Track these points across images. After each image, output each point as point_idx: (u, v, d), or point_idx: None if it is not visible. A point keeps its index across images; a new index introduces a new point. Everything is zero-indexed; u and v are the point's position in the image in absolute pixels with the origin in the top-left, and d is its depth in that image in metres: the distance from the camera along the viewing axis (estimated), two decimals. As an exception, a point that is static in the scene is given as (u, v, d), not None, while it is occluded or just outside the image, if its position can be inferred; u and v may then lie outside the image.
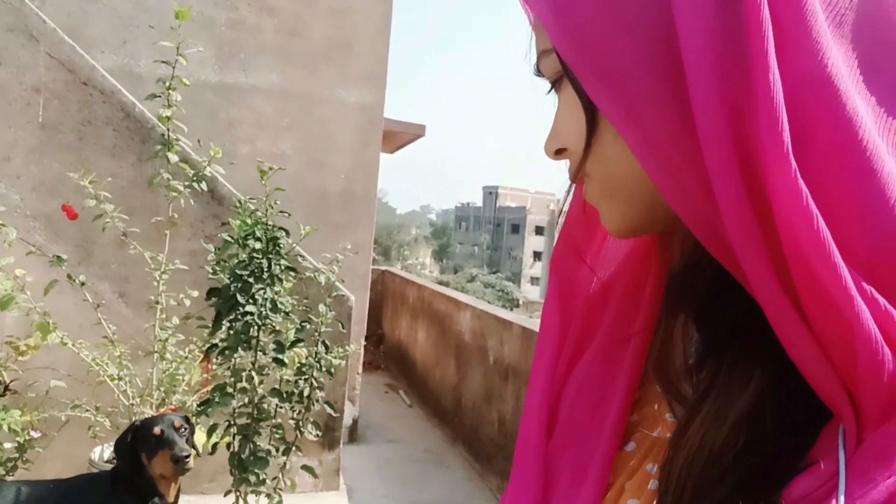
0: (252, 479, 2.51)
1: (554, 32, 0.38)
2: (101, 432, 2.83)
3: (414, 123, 7.03)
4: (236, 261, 2.52)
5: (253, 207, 2.63)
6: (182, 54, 2.75)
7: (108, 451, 2.78)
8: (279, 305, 2.52)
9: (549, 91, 0.47)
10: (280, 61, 5.07)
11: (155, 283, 2.87)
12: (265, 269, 2.50)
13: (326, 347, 2.66)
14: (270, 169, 2.68)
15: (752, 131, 0.32)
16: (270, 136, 5.07)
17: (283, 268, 2.56)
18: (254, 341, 2.50)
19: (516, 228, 63.61)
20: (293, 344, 2.57)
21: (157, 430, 2.19)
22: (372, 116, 5.37)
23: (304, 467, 2.64)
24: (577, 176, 0.45)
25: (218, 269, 2.58)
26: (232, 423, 2.53)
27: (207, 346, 2.58)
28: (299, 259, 3.34)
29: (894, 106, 0.34)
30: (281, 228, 2.57)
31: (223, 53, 4.91)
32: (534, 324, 4.31)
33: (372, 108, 5.36)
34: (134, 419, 2.56)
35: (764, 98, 0.31)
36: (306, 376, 2.61)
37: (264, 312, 2.48)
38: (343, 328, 2.87)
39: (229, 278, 2.49)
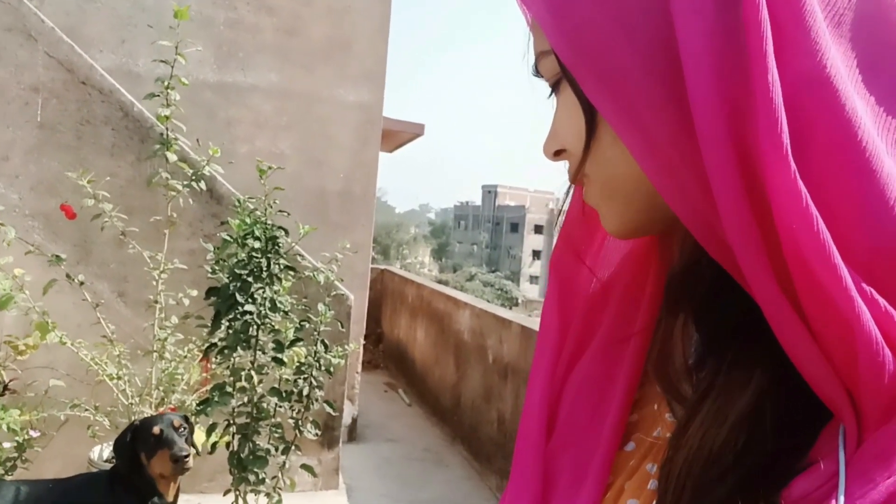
0: (251, 478, 2.51)
1: (552, 33, 0.38)
2: (101, 432, 2.82)
3: (413, 122, 7.03)
4: (235, 260, 2.52)
5: (252, 207, 2.63)
6: (181, 53, 2.74)
7: (107, 450, 2.78)
8: (278, 305, 2.52)
9: (550, 95, 0.47)
10: (279, 60, 5.06)
11: (154, 283, 2.87)
12: (264, 269, 2.50)
13: (326, 346, 2.65)
14: (269, 168, 2.68)
15: (751, 132, 0.32)
16: (269, 135, 5.07)
17: (282, 267, 2.56)
18: (253, 340, 2.50)
19: (515, 227, 63.61)
20: (292, 343, 2.57)
21: (156, 429, 2.19)
22: (371, 115, 5.37)
23: (304, 466, 2.64)
24: (576, 177, 0.45)
25: (217, 268, 2.58)
26: (231, 422, 2.53)
27: (206, 345, 2.58)
28: (298, 258, 3.34)
29: (894, 105, 0.34)
30: (280, 228, 2.57)
31: (222, 53, 4.91)
32: (533, 322, 4.31)
33: (371, 108, 5.36)
34: (133, 418, 2.56)
35: (763, 99, 0.31)
36: (305, 375, 2.61)
37: (263, 312, 2.47)
38: (342, 327, 2.87)
39: (228, 277, 2.48)
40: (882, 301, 0.30)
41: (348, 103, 5.28)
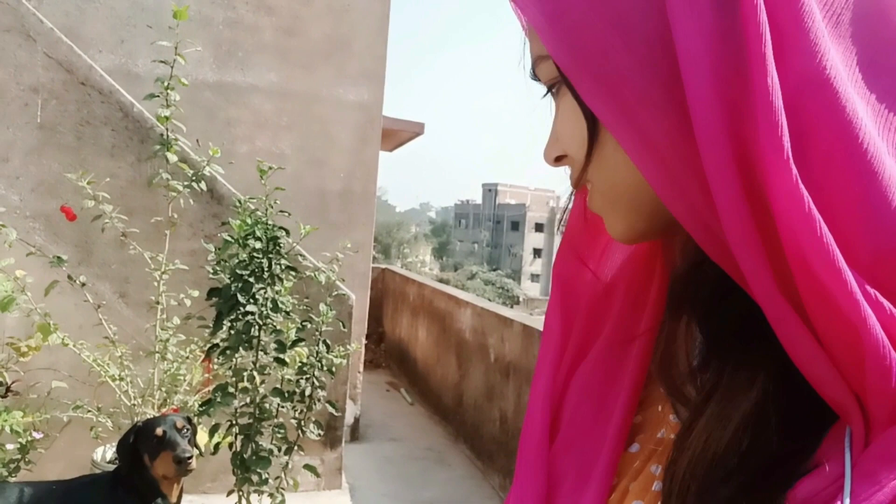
0: (254, 478, 2.51)
1: (548, 38, 0.38)
2: (103, 433, 2.83)
3: (412, 121, 7.02)
4: (236, 260, 2.52)
5: (253, 207, 2.63)
6: (180, 54, 2.74)
7: (110, 451, 2.78)
8: (280, 305, 2.52)
9: (545, 95, 0.46)
10: (278, 60, 5.06)
11: (155, 284, 2.87)
12: (265, 269, 2.50)
13: (327, 346, 2.66)
14: (270, 168, 2.68)
15: (750, 136, 0.32)
16: (269, 135, 5.07)
17: (283, 267, 2.55)
18: (255, 341, 2.50)
19: (516, 225, 63.61)
20: (294, 343, 2.57)
21: (159, 431, 2.19)
22: (370, 115, 5.37)
23: (307, 466, 2.64)
24: (579, 184, 0.44)
25: (218, 268, 2.58)
26: (234, 422, 2.53)
27: (208, 346, 2.58)
28: (299, 258, 3.34)
29: (894, 105, 0.33)
30: (281, 228, 2.57)
31: (221, 53, 4.91)
32: (534, 321, 4.31)
33: (370, 107, 5.36)
34: (136, 420, 2.56)
35: (762, 102, 0.31)
36: (307, 375, 2.61)
37: (265, 312, 2.47)
38: (344, 327, 2.87)
39: (230, 278, 2.48)
40: (887, 304, 0.30)
41: (348, 102, 5.28)
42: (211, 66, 4.86)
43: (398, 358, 7.27)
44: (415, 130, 7.01)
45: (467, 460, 4.84)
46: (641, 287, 0.50)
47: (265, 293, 2.49)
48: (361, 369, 5.54)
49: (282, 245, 2.56)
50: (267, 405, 2.54)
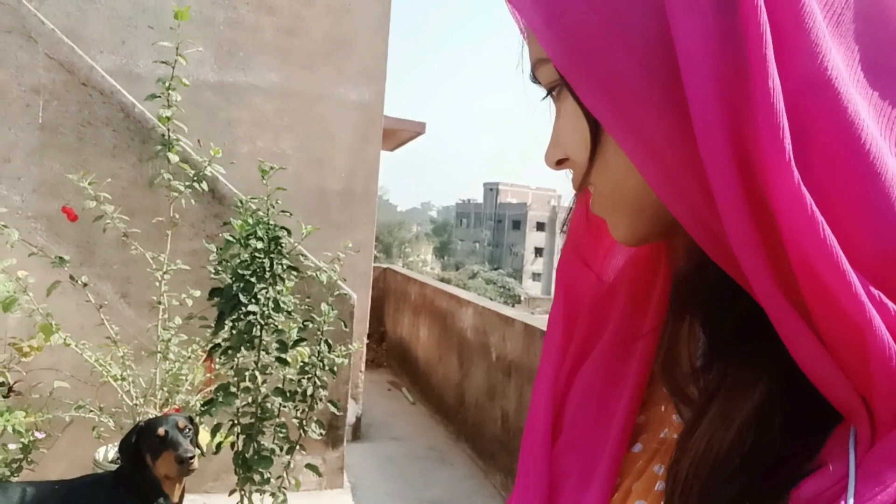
0: (256, 477, 2.51)
1: (546, 41, 0.37)
2: (105, 433, 2.83)
3: (414, 121, 7.01)
4: (238, 260, 2.52)
5: (254, 207, 2.63)
6: (181, 54, 2.74)
7: (112, 451, 2.79)
8: (281, 305, 2.52)
9: (545, 98, 0.46)
10: (279, 60, 5.06)
11: (157, 284, 2.87)
12: (267, 269, 2.50)
13: (329, 346, 2.66)
14: (271, 168, 2.68)
15: (751, 137, 0.32)
16: (270, 135, 5.07)
17: (284, 267, 2.56)
18: (256, 341, 2.50)
19: (517, 225, 63.57)
20: (296, 343, 2.58)
21: (161, 430, 2.19)
22: (371, 114, 5.37)
23: (308, 466, 2.65)
24: (581, 187, 0.44)
25: (220, 268, 2.58)
26: (236, 422, 2.54)
27: (210, 345, 2.58)
28: (301, 258, 3.34)
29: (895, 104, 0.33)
30: (282, 227, 2.57)
31: (222, 53, 4.91)
32: (536, 320, 4.31)
33: (371, 106, 5.35)
34: (138, 419, 2.56)
35: (764, 104, 0.31)
36: (309, 375, 2.61)
37: (267, 312, 2.48)
38: (345, 327, 2.88)
39: (231, 278, 2.49)
40: (891, 305, 0.30)
41: (349, 102, 5.27)
42: (212, 67, 4.86)
43: (400, 357, 7.27)
44: (416, 130, 7.00)
45: (469, 459, 4.84)
46: (644, 288, 0.50)
47: (267, 293, 2.49)
48: (363, 369, 5.54)
49: (283, 245, 2.56)
50: (269, 405, 2.55)
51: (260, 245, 2.49)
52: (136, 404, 2.80)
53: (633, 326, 0.50)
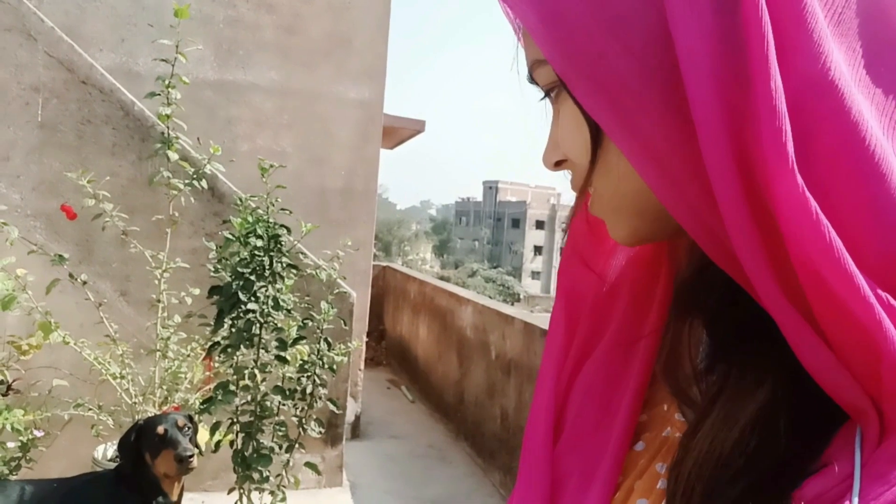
0: (255, 476, 2.51)
1: (543, 42, 0.37)
2: (104, 431, 2.83)
3: (413, 119, 7.00)
4: (238, 258, 2.52)
5: (254, 205, 2.63)
6: (181, 52, 2.74)
7: (111, 449, 2.79)
8: (281, 303, 2.52)
9: (542, 99, 0.46)
10: (279, 58, 5.05)
11: (156, 282, 2.87)
12: (267, 267, 2.50)
13: (328, 344, 2.66)
14: (271, 166, 2.68)
15: (753, 140, 0.31)
16: (270, 133, 5.06)
17: (284, 265, 2.55)
18: (256, 339, 2.50)
19: (517, 223, 63.59)
20: (295, 341, 2.58)
21: (160, 429, 2.19)
22: (371, 112, 5.36)
23: (308, 464, 2.65)
24: (583, 190, 0.44)
25: (219, 266, 2.58)
26: (235, 420, 2.54)
27: (209, 344, 2.58)
28: (300, 256, 3.34)
29: None
30: (282, 226, 2.57)
31: (222, 51, 4.90)
32: (535, 318, 4.31)
33: (371, 104, 5.35)
34: (137, 418, 2.56)
35: (765, 106, 0.30)
36: (309, 373, 2.61)
37: (266, 310, 2.47)
38: (345, 325, 2.88)
39: (231, 276, 2.48)
40: None
41: (349, 100, 5.27)
42: (212, 65, 4.86)
43: (399, 355, 7.27)
44: (415, 128, 6.99)
45: (468, 458, 4.84)
46: (646, 289, 0.50)
47: (266, 291, 2.49)
48: (362, 367, 5.54)
49: (283, 243, 2.56)
50: (268, 403, 2.55)
51: (259, 243, 2.49)
52: (135, 402, 2.80)
53: (635, 327, 0.49)
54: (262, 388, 2.54)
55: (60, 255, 2.66)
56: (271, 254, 2.51)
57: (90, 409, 2.80)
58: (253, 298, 2.45)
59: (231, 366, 2.50)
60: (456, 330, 5.49)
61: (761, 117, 0.30)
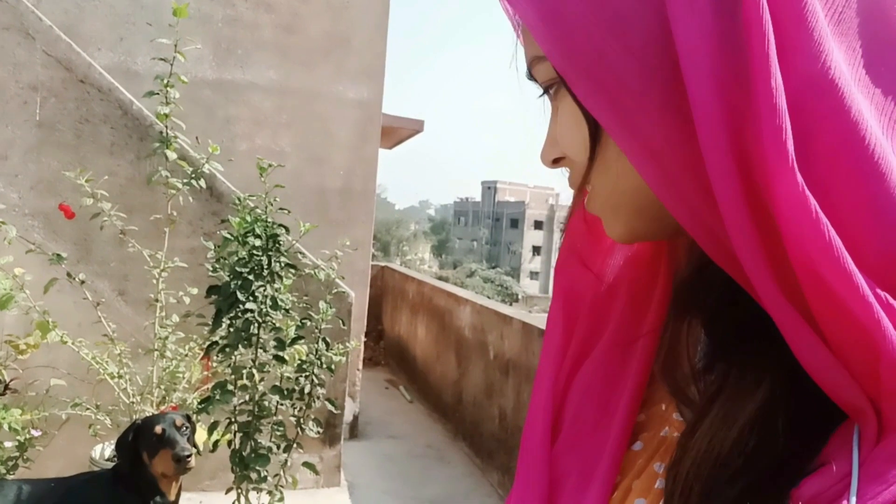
0: (253, 476, 2.51)
1: (543, 39, 0.37)
2: (102, 430, 2.83)
3: (412, 119, 6.99)
4: (236, 258, 2.52)
5: (252, 204, 2.62)
6: (180, 51, 2.74)
7: (108, 449, 2.78)
8: (279, 303, 2.51)
9: (541, 96, 0.46)
10: (278, 57, 5.05)
11: (154, 281, 2.87)
12: (265, 267, 2.50)
13: (327, 344, 2.65)
14: (269, 166, 2.68)
15: (753, 138, 0.31)
16: (269, 132, 5.06)
17: (282, 265, 2.55)
18: (254, 339, 2.50)
19: (515, 223, 63.61)
20: (294, 341, 2.57)
21: (158, 429, 2.19)
22: (370, 112, 5.36)
23: (306, 464, 2.64)
24: (581, 187, 0.44)
25: (218, 266, 2.58)
26: (233, 420, 2.53)
27: (208, 343, 2.58)
28: (299, 256, 3.34)
29: None
30: (280, 225, 2.57)
31: (220, 50, 4.90)
32: (533, 318, 4.31)
33: (370, 104, 5.35)
34: (135, 417, 2.56)
35: (766, 104, 0.30)
36: (307, 373, 2.61)
37: (264, 310, 2.47)
38: (343, 325, 2.87)
39: (229, 276, 2.48)
40: None
41: (348, 100, 5.27)
42: (210, 64, 4.85)
43: (397, 355, 7.27)
44: (414, 128, 6.99)
45: (466, 458, 4.84)
46: (645, 288, 0.50)
47: (264, 291, 2.49)
48: (360, 367, 5.54)
49: (281, 242, 2.56)
50: (266, 403, 2.54)
51: (258, 243, 2.49)
52: (132, 402, 2.80)
53: (634, 326, 0.49)
54: (260, 387, 2.54)
55: (58, 255, 2.66)
56: (270, 253, 2.51)
57: (88, 409, 2.80)
58: (251, 298, 2.45)
59: (229, 365, 2.50)
60: (454, 330, 5.49)
61: (762, 116, 0.30)
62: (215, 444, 2.52)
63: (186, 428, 2.26)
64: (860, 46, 0.33)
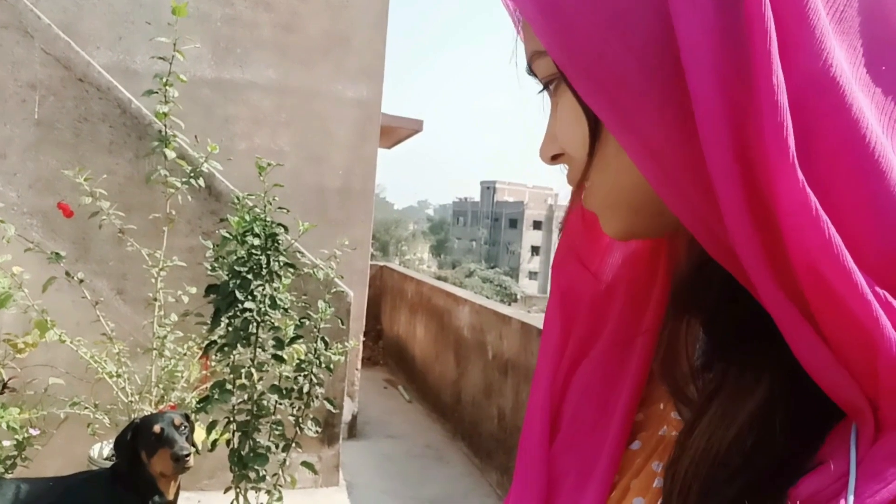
0: (252, 475, 2.51)
1: (543, 34, 0.37)
2: (101, 429, 2.82)
3: (411, 118, 6.99)
4: (235, 257, 2.52)
5: (251, 204, 2.62)
6: (179, 50, 2.74)
7: (107, 448, 2.78)
8: (278, 302, 2.51)
9: (541, 92, 0.46)
10: (277, 56, 5.05)
11: (153, 280, 2.86)
12: (264, 266, 2.50)
13: (325, 343, 2.65)
14: (268, 165, 2.68)
15: (755, 135, 0.31)
16: (268, 131, 5.06)
17: (281, 264, 2.55)
18: (253, 338, 2.50)
19: (514, 223, 63.64)
20: (292, 340, 2.57)
21: (157, 428, 2.19)
22: (369, 111, 5.36)
23: (304, 463, 2.64)
24: (580, 184, 0.44)
25: (216, 265, 2.58)
26: (231, 419, 2.53)
27: (206, 342, 2.58)
28: (298, 255, 3.33)
29: None
30: (279, 224, 2.56)
31: (219, 49, 4.89)
32: (532, 318, 4.31)
33: (369, 103, 5.35)
34: (133, 416, 2.56)
35: (767, 101, 0.30)
36: (305, 373, 2.61)
37: (263, 309, 2.47)
38: (342, 324, 2.87)
39: (228, 275, 2.48)
40: None
41: (347, 99, 5.27)
42: (209, 63, 4.85)
43: (396, 355, 7.27)
44: (413, 128, 6.99)
45: (465, 458, 4.84)
46: (643, 287, 0.50)
47: (263, 290, 2.48)
48: (359, 366, 5.54)
49: (280, 242, 2.55)
50: (265, 402, 2.54)
51: (257, 242, 2.49)
52: (131, 401, 2.80)
53: (632, 326, 0.49)
54: (259, 387, 2.54)
55: (57, 253, 2.66)
56: (268, 252, 2.51)
57: (86, 408, 2.80)
58: (250, 297, 2.45)
59: (228, 365, 2.50)
60: (453, 330, 5.49)
61: (763, 112, 0.30)
62: (214, 443, 2.52)
63: (185, 427, 2.26)
64: (861, 45, 0.33)
